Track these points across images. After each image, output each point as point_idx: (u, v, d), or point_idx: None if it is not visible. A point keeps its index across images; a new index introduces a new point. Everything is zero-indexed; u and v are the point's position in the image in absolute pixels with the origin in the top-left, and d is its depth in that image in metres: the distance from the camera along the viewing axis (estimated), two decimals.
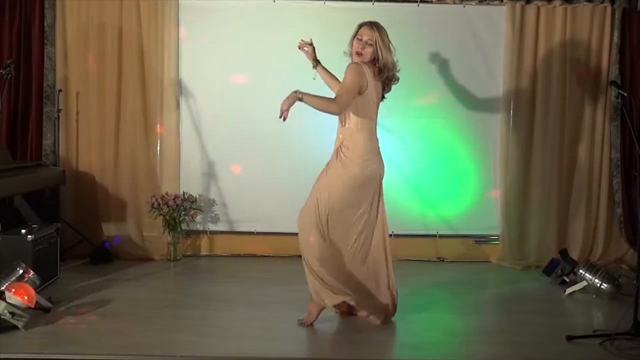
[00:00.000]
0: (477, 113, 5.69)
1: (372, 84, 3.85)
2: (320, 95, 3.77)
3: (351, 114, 3.84)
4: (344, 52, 4.04)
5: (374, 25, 3.95)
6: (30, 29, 5.55)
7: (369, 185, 3.86)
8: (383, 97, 4.04)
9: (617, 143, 5.66)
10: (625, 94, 4.14)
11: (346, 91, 3.75)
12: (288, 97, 3.63)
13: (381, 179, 3.94)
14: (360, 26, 3.96)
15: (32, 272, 4.02)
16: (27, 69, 5.55)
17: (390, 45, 3.94)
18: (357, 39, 3.92)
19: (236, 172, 5.70)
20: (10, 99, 5.50)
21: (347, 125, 3.88)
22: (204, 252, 5.79)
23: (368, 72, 3.84)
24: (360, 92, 3.79)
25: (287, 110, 3.62)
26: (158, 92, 5.60)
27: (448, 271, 5.43)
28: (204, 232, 5.75)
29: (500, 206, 5.68)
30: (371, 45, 3.88)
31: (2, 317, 3.59)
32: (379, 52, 3.87)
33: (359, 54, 3.90)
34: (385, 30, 3.95)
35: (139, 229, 5.62)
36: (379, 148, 3.94)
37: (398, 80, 4.08)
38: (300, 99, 3.63)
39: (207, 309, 4.21)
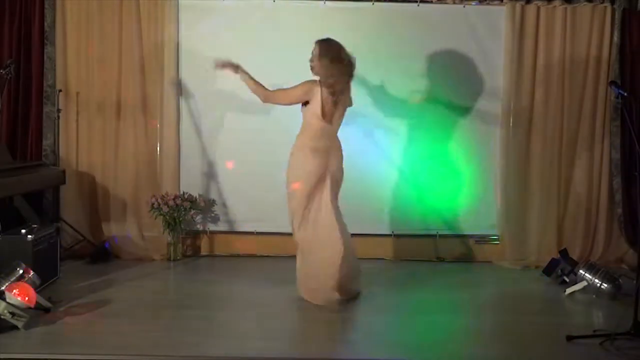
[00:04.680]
0: (477, 113, 5.69)
1: (320, 101, 4.28)
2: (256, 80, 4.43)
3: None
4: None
5: (318, 41, 4.40)
6: (30, 29, 5.55)
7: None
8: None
9: (617, 143, 5.67)
10: (625, 94, 4.13)
11: (279, 96, 4.48)
12: (226, 63, 4.44)
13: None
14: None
15: (32, 272, 4.02)
16: (27, 69, 5.56)
17: (323, 55, 4.31)
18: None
19: (236, 172, 5.70)
20: (10, 99, 5.50)
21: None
22: (204, 252, 5.79)
23: (317, 90, 4.28)
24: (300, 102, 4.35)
25: (220, 67, 4.47)
26: (158, 92, 5.60)
27: (448, 271, 5.43)
28: (204, 232, 5.76)
29: (500, 206, 5.68)
30: (312, 59, 4.37)
31: (2, 317, 3.59)
32: (314, 62, 4.35)
33: (310, 67, 4.41)
34: (326, 43, 4.34)
35: (139, 229, 5.62)
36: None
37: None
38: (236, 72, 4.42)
39: (207, 309, 4.21)
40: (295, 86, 4.37)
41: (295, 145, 4.40)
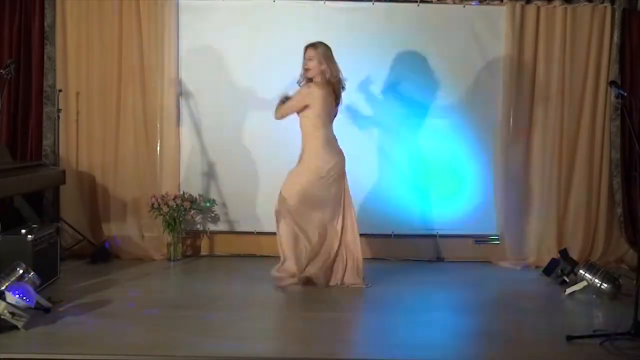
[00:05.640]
0: (477, 112, 5.69)
1: (322, 102, 4.57)
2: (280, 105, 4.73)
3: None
4: (297, 83, 4.76)
5: (315, 43, 4.64)
6: (30, 29, 5.56)
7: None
8: (338, 102, 4.78)
9: (617, 143, 5.67)
10: (625, 94, 4.13)
11: (287, 108, 4.68)
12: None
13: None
14: (305, 49, 4.66)
15: (32, 272, 4.02)
16: (27, 69, 5.56)
17: (333, 56, 4.64)
18: (304, 59, 4.66)
19: (236, 172, 5.69)
20: (10, 99, 5.50)
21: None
22: (204, 252, 5.79)
23: (318, 93, 4.56)
24: (305, 109, 4.61)
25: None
26: (158, 92, 5.60)
27: (448, 271, 5.44)
28: (204, 232, 5.75)
29: (500, 206, 5.68)
30: (311, 59, 4.60)
31: (2, 317, 3.59)
32: (324, 65, 4.59)
33: (306, 70, 4.64)
34: (326, 45, 4.64)
35: (139, 229, 5.62)
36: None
37: (344, 87, 4.78)
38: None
39: (207, 309, 4.21)
40: (295, 94, 4.69)
41: (305, 152, 4.72)
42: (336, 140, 4.75)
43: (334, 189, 4.68)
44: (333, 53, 4.66)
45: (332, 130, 4.73)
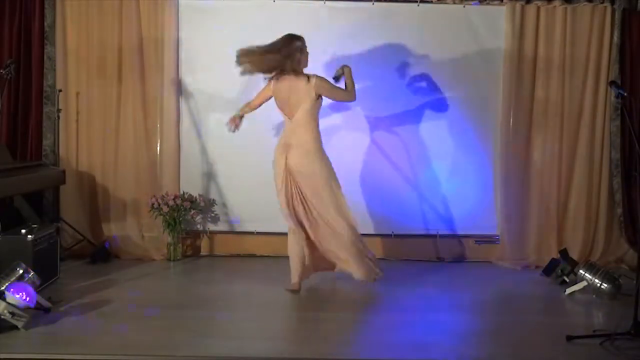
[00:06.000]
0: (477, 112, 5.69)
1: (274, 94, 4.60)
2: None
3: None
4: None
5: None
6: (30, 29, 5.56)
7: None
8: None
9: (617, 143, 5.67)
10: (625, 94, 4.13)
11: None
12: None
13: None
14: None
15: (32, 272, 4.02)
16: (27, 69, 5.56)
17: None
18: None
19: (236, 172, 5.69)
20: (10, 99, 5.50)
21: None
22: (204, 252, 5.79)
23: (270, 84, 4.61)
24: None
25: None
26: (158, 92, 5.60)
27: (448, 271, 5.43)
28: (204, 232, 5.76)
29: (500, 206, 5.68)
30: None
31: (2, 317, 3.59)
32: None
33: None
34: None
35: (139, 229, 5.62)
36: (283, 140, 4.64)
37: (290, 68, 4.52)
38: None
39: (207, 309, 4.21)
40: None
41: None
42: (292, 136, 4.57)
43: (293, 188, 4.63)
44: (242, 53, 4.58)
45: (289, 125, 4.60)
